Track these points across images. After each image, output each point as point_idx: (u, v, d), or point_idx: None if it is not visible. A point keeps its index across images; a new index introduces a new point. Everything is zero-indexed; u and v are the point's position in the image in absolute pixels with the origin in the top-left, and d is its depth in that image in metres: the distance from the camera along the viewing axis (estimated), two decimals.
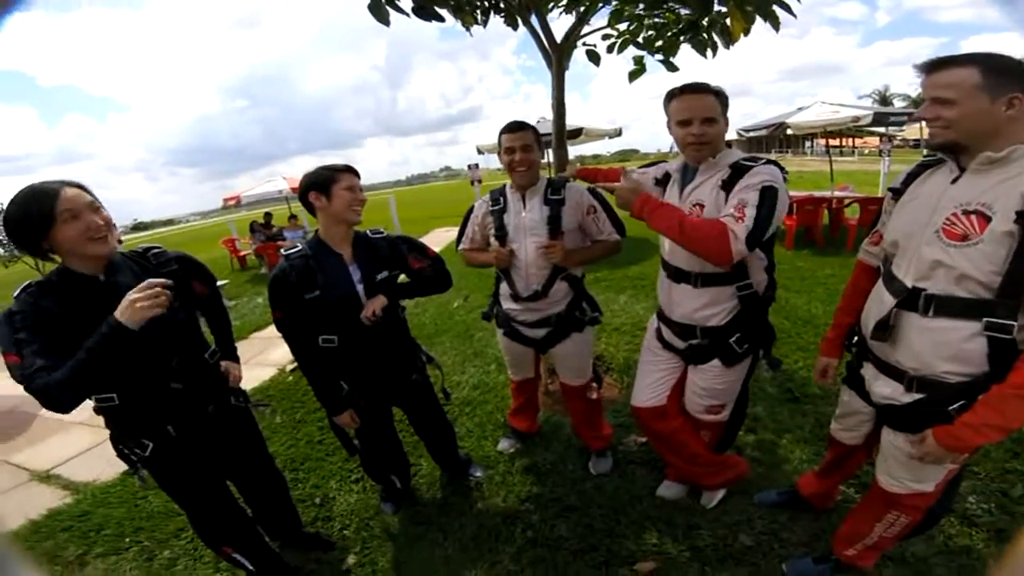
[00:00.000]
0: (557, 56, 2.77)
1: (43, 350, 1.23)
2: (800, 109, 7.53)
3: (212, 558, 2.08)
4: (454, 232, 2.30)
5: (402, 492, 2.29)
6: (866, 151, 30.99)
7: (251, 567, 1.80)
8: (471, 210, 2.20)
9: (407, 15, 2.16)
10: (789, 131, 7.51)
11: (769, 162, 1.52)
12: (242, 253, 10.62)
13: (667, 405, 1.89)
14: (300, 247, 1.76)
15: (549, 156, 5.04)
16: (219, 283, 7.17)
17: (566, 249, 1.94)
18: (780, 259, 5.61)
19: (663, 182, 1.82)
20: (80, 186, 1.32)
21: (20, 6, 0.60)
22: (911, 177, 1.34)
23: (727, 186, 1.51)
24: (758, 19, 2.27)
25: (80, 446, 3.27)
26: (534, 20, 2.72)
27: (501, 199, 2.06)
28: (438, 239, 10.72)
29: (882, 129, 11.25)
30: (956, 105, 1.10)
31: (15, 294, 1.30)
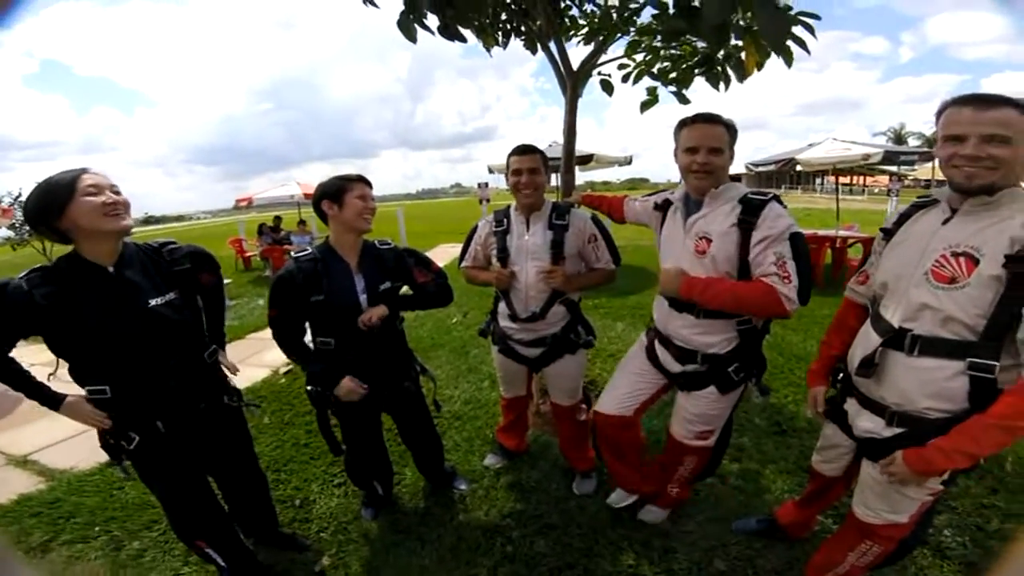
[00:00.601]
0: (572, 83, 2.85)
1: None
2: (811, 145, 7.52)
3: (182, 551, 2.06)
4: (459, 248, 2.34)
5: (383, 499, 2.28)
6: (876, 190, 31.11)
7: (223, 563, 1.79)
8: (475, 229, 2.24)
9: (432, 33, 2.23)
10: (799, 167, 7.54)
11: (774, 197, 1.56)
12: (248, 254, 10.69)
13: (633, 417, 1.92)
14: (310, 251, 1.80)
15: (556, 180, 5.11)
16: (225, 282, 7.16)
17: (567, 275, 1.97)
18: None
19: (663, 208, 1.85)
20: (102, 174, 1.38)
21: (20, 5, 0.59)
22: (903, 217, 1.36)
23: (744, 225, 1.51)
24: (773, 54, 2.31)
25: (63, 433, 3.21)
26: (552, 46, 2.81)
27: (505, 220, 2.10)
28: (444, 254, 10.77)
29: (893, 168, 11.23)
30: (1011, 145, 1.05)
31: (18, 276, 1.31)
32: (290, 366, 4.35)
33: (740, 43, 2.37)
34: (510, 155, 2.01)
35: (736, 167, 1.65)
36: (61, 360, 1.41)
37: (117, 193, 1.37)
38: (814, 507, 1.88)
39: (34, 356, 1.44)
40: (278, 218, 10.51)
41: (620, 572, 1.89)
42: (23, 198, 9.66)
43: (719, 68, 2.60)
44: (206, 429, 1.63)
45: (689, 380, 1.77)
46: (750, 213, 1.51)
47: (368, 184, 1.78)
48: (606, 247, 2.05)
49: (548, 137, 9.91)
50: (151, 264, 1.49)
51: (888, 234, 1.38)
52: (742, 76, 2.52)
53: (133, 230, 1.48)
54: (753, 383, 1.77)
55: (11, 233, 10.39)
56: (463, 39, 2.36)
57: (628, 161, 9.25)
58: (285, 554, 2.05)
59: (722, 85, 2.66)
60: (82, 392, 1.44)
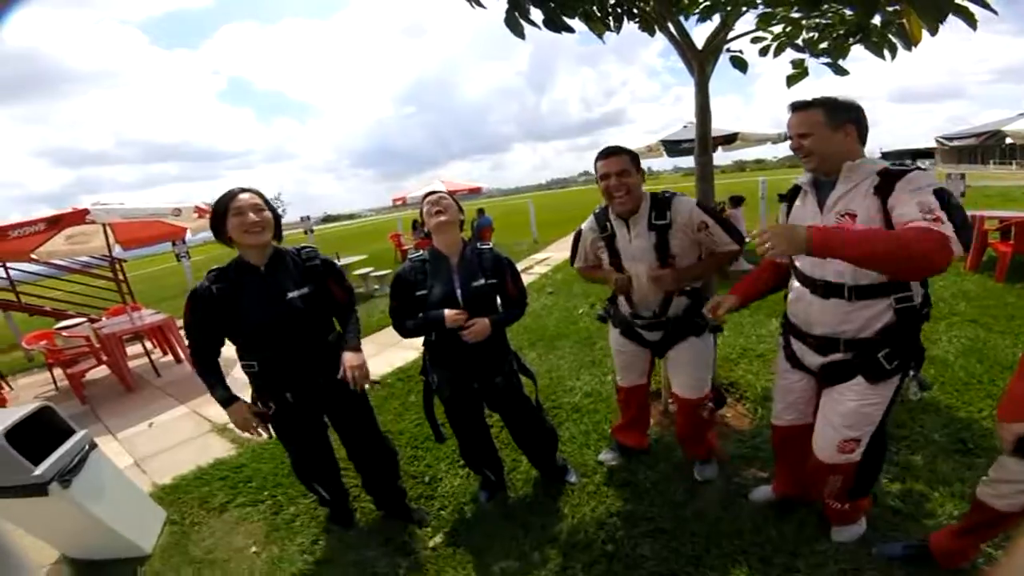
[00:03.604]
0: (699, 62, 2.65)
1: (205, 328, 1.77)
2: (1022, 115, 5.98)
3: (324, 518, 2.40)
4: None
5: (495, 484, 2.43)
6: None
7: (326, 495, 2.20)
8: (579, 233, 2.22)
9: (538, 27, 2.26)
10: (1008, 140, 6.04)
11: (916, 167, 1.40)
12: (405, 247, 11.83)
13: (803, 426, 1.81)
14: (423, 252, 2.01)
15: (691, 162, 4.78)
16: (385, 273, 8.03)
17: (677, 275, 1.91)
18: (987, 293, 4.57)
19: (788, 198, 1.73)
20: (254, 191, 1.74)
21: (20, 5, 0.61)
22: None
23: (881, 191, 1.38)
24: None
25: None
26: (671, 26, 2.64)
27: (608, 225, 2.05)
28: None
29: None
30: None
31: (206, 275, 1.77)
32: None
33: (898, 8, 1.99)
34: (597, 159, 1.95)
35: (926, 141, 1.43)
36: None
37: (261, 211, 1.72)
38: (978, 536, 1.59)
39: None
40: None
41: None
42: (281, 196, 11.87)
43: (879, 36, 2.20)
44: (326, 400, 1.95)
45: (833, 372, 1.59)
46: (891, 180, 1.38)
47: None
48: (721, 230, 1.91)
49: (683, 118, 9.27)
50: (293, 265, 1.84)
51: None
52: (909, 44, 2.11)
53: (315, 227, 1.85)
54: (911, 376, 1.52)
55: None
56: (571, 29, 2.34)
57: (782, 138, 8.21)
58: (407, 527, 2.27)
59: (888, 54, 2.25)
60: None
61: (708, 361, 2.15)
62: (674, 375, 2.17)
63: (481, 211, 11.40)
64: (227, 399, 1.83)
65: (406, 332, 1.97)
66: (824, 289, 1.54)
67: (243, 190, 1.73)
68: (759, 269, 1.85)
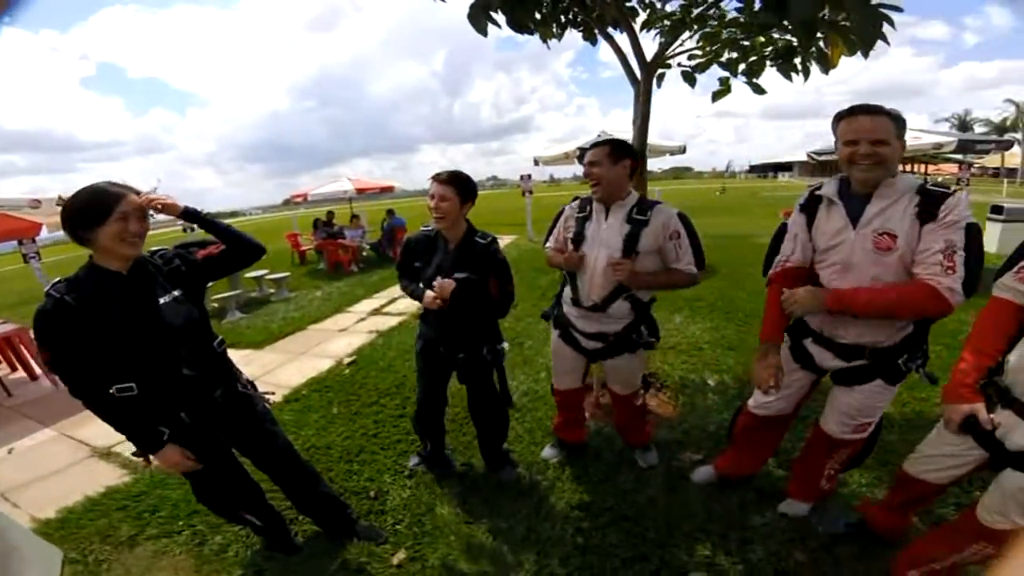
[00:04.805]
0: (646, 75, 2.81)
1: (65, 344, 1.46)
2: None
3: (261, 547, 2.15)
4: (502, 241, 2.37)
5: (428, 458, 2.64)
6: (939, 179, 29.39)
7: (259, 523, 2.00)
8: (561, 211, 2.28)
9: (499, 27, 2.27)
10: None
11: (956, 192, 1.47)
12: (303, 248, 11.08)
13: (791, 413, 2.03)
14: (429, 227, 2.15)
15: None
16: (281, 276, 7.39)
17: (634, 270, 1.96)
18: None
19: (807, 208, 1.75)
20: (139, 193, 1.51)
21: (21, 6, 0.60)
22: None
23: (923, 217, 1.46)
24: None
25: None
26: (624, 37, 2.77)
27: (588, 207, 2.13)
28: None
29: (960, 157, 10.55)
30: None
31: (46, 290, 1.47)
32: (354, 357, 4.53)
33: (824, 37, 2.28)
34: (583, 151, 2.05)
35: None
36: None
37: (143, 219, 1.51)
38: (910, 511, 1.82)
39: None
40: (331, 213, 10.79)
41: (697, 564, 1.89)
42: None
43: (799, 60, 2.51)
44: (227, 416, 1.75)
45: (852, 374, 1.72)
46: (932, 204, 1.45)
47: (134, 192, 1.52)
48: (689, 247, 1.99)
49: (587, 127, 9.81)
50: (153, 269, 1.61)
51: None
52: (826, 68, 2.42)
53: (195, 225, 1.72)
54: (920, 372, 1.67)
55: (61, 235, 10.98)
56: (531, 31, 2.38)
57: (682, 150, 9.02)
58: (364, 546, 2.11)
59: (801, 77, 2.58)
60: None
61: (641, 367, 2.32)
62: (610, 378, 2.33)
63: (391, 212, 10.91)
64: (155, 442, 1.59)
65: (404, 288, 2.24)
66: None
67: (130, 190, 1.49)
68: (992, 316, 1.50)
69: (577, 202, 2.20)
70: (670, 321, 4.71)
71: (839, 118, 1.56)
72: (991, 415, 1.37)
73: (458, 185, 2.01)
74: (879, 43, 1.80)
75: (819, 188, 1.73)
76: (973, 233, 1.42)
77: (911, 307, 1.49)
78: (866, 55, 1.97)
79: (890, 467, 2.20)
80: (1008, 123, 39.69)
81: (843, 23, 2.03)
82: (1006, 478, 1.36)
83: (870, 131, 1.48)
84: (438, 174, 2.03)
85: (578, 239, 2.10)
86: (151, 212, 1.57)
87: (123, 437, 1.60)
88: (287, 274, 7.98)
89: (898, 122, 1.50)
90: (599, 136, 8.46)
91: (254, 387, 1.89)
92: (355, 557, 2.07)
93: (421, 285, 2.11)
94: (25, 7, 0.62)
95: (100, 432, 3.31)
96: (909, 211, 1.48)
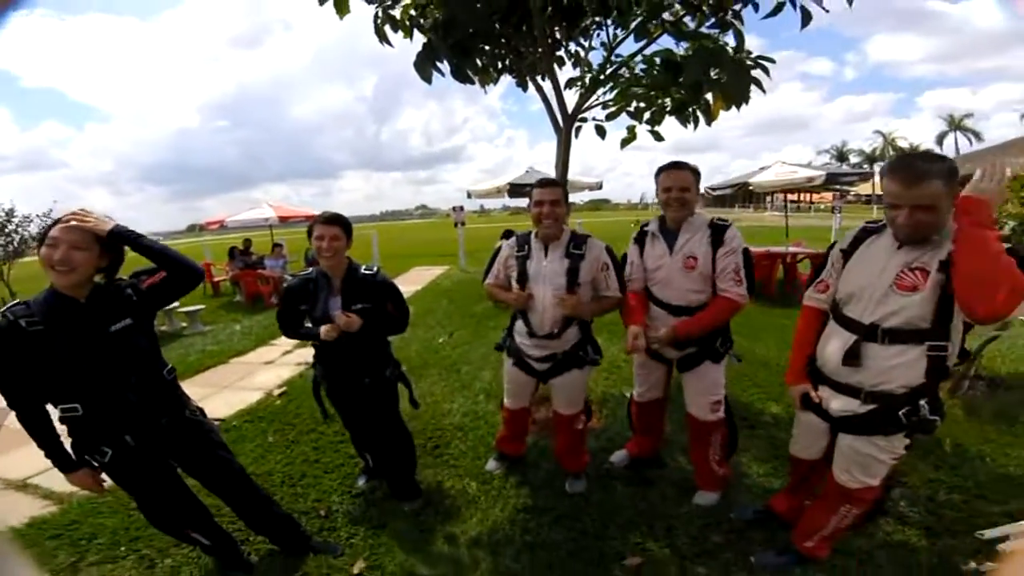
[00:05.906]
0: (567, 126, 3.20)
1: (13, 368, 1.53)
2: (762, 169, 8.50)
3: (215, 568, 2.16)
4: (433, 271, 2.60)
5: (373, 471, 2.73)
6: (821, 206, 33.41)
7: (207, 542, 2.01)
8: (498, 250, 2.46)
9: (443, 75, 2.54)
10: (751, 188, 8.32)
11: (731, 224, 2.17)
12: (216, 279, 10.45)
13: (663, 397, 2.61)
14: (311, 271, 2.25)
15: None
16: (194, 309, 6.96)
17: (580, 301, 2.17)
18: (760, 315, 5.85)
19: (639, 240, 2.33)
20: (81, 229, 1.55)
21: (20, 5, 0.60)
22: (857, 241, 1.72)
23: (715, 243, 2.12)
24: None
25: None
26: (549, 87, 3.16)
27: (526, 246, 2.30)
28: (418, 277, 10.88)
29: (836, 186, 12.33)
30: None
31: (1, 310, 1.54)
32: (284, 388, 4.45)
33: (709, 96, 2.80)
34: (533, 187, 2.24)
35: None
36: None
37: (75, 250, 1.52)
38: (802, 493, 2.14)
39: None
40: (248, 241, 10.22)
41: (631, 550, 2.15)
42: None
43: (690, 111, 3.02)
44: (174, 441, 1.82)
45: (688, 361, 2.28)
46: (718, 234, 2.13)
47: (63, 223, 1.56)
48: (615, 276, 2.23)
49: (512, 158, 10.39)
50: (112, 295, 1.69)
51: (846, 254, 1.73)
52: (709, 120, 2.94)
53: None
54: (730, 353, 2.31)
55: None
56: (472, 81, 2.67)
57: (599, 186, 9.77)
58: (322, 559, 2.17)
59: (692, 126, 3.09)
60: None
61: (585, 386, 2.50)
62: (556, 397, 2.46)
63: None
64: (69, 464, 1.64)
65: (290, 336, 2.33)
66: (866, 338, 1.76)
67: (58, 221, 1.56)
68: (805, 319, 1.92)
69: (513, 239, 2.37)
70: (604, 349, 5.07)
71: (660, 171, 2.18)
72: (816, 391, 1.80)
73: (344, 225, 2.17)
74: (767, 81, 2.35)
75: (647, 225, 2.31)
76: (747, 255, 2.14)
77: (724, 317, 2.18)
78: (739, 108, 2.54)
79: (782, 459, 2.55)
80: (877, 152, 44.54)
81: (723, 81, 2.56)
82: (840, 440, 1.75)
83: (678, 180, 2.12)
84: (320, 216, 2.18)
85: (522, 278, 2.25)
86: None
87: (40, 468, 1.60)
88: (201, 307, 7.54)
89: (696, 174, 2.16)
90: (527, 171, 8.95)
91: (203, 414, 1.95)
92: (314, 570, 2.13)
93: (310, 324, 2.21)
94: (24, 7, 0.64)
95: (11, 464, 3.14)
96: (705, 239, 2.13)
